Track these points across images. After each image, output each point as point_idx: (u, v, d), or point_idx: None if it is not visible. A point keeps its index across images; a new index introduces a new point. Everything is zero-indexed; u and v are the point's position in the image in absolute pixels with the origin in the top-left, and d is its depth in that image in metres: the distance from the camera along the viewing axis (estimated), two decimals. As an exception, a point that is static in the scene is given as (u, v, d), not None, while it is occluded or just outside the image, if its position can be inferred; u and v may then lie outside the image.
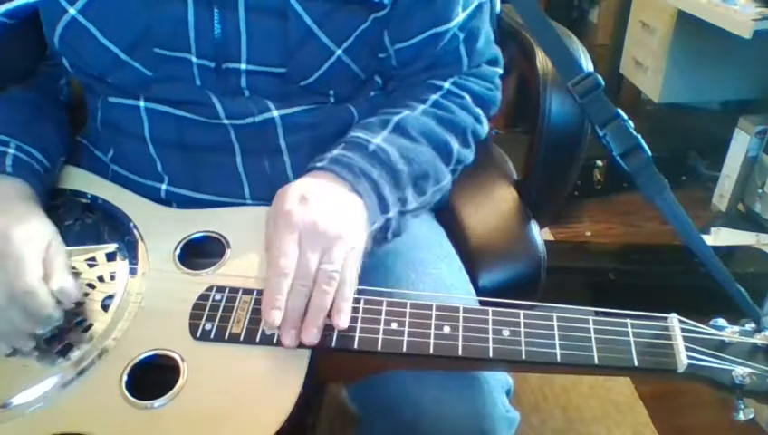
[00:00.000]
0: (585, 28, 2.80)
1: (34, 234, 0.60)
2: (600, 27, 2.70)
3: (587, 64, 0.79)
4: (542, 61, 0.86)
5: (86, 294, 0.62)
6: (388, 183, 0.65)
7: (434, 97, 0.73)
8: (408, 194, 0.67)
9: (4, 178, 0.64)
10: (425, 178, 0.69)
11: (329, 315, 0.56)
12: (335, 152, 0.65)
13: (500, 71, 0.81)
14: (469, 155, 0.75)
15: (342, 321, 0.56)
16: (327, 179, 0.62)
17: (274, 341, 0.57)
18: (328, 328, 0.57)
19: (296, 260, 0.56)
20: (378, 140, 0.66)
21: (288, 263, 0.56)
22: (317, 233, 0.57)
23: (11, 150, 0.66)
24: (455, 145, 0.72)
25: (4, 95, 0.70)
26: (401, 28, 0.70)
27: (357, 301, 0.58)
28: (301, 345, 0.56)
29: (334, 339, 0.57)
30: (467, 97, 0.75)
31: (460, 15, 0.71)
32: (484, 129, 0.77)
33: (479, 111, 0.76)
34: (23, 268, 0.57)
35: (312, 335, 0.55)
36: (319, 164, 0.64)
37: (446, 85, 0.74)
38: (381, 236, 0.66)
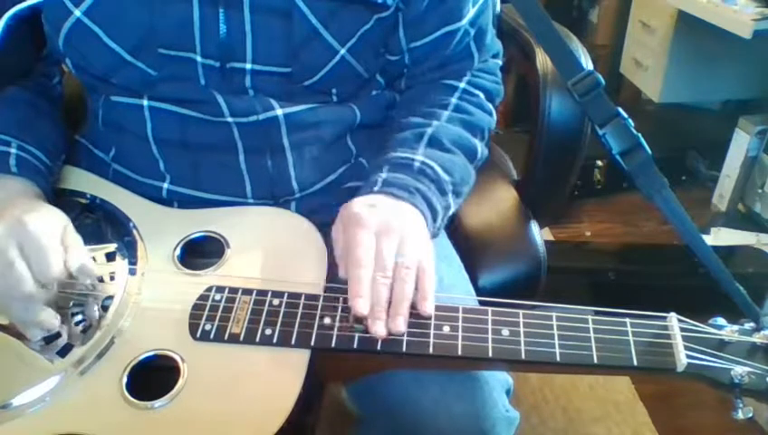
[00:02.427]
0: (585, 28, 2.80)
1: (48, 220, 0.60)
2: (600, 27, 2.69)
3: (587, 64, 0.80)
4: (541, 60, 0.86)
5: (86, 295, 0.62)
6: (435, 195, 0.67)
7: (453, 101, 0.75)
8: (449, 201, 0.70)
9: (9, 177, 0.65)
10: (462, 184, 0.71)
11: (413, 306, 0.57)
12: (384, 176, 0.67)
13: (500, 63, 0.83)
14: (486, 150, 0.77)
15: (428, 307, 0.57)
16: (386, 198, 0.64)
17: (274, 340, 0.57)
18: (328, 328, 0.57)
19: (373, 252, 0.58)
20: (419, 156, 0.68)
21: (365, 253, 0.57)
22: (390, 229, 0.59)
23: (13, 150, 0.66)
24: (480, 147, 0.74)
25: (3, 96, 0.71)
26: (416, 27, 0.72)
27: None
28: (390, 334, 0.56)
29: (334, 339, 0.57)
30: (481, 95, 0.77)
31: (470, 12, 0.73)
32: (495, 120, 0.79)
33: (490, 105, 0.78)
34: (44, 257, 0.57)
35: (400, 324, 0.56)
36: (375, 189, 0.65)
37: (462, 85, 0.76)
38: None
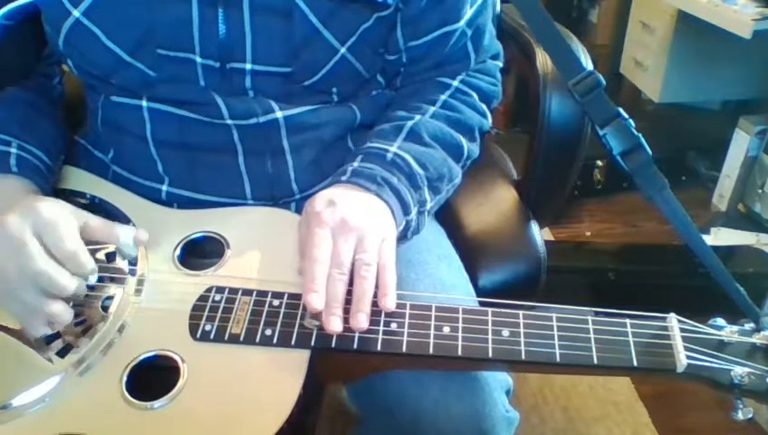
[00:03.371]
0: (585, 28, 2.80)
1: (60, 206, 0.59)
2: (599, 27, 2.70)
3: (587, 64, 0.79)
4: (542, 60, 0.86)
5: (86, 295, 0.62)
6: (408, 188, 0.67)
7: (443, 97, 0.74)
8: (425, 195, 0.69)
9: (10, 177, 0.65)
10: (440, 180, 0.71)
11: (374, 304, 0.57)
12: (355, 165, 0.66)
13: (501, 64, 0.83)
14: (476, 149, 0.77)
15: (389, 302, 0.57)
16: (352, 190, 0.64)
17: (274, 341, 0.57)
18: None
19: (329, 250, 0.58)
20: (394, 148, 0.68)
21: (321, 252, 0.57)
22: (347, 226, 0.59)
23: (13, 150, 0.66)
24: (465, 144, 0.74)
25: (3, 96, 0.71)
26: (414, 27, 0.71)
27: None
28: (348, 330, 0.56)
29: (334, 339, 0.57)
30: (474, 95, 0.77)
31: (468, 13, 0.72)
32: (489, 123, 0.79)
33: (484, 106, 0.78)
34: (56, 230, 0.56)
35: (361, 321, 0.56)
36: (343, 178, 0.65)
37: (455, 84, 0.76)
38: (402, 236, 0.68)
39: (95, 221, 0.60)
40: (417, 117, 0.71)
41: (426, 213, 0.71)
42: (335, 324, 0.55)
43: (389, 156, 0.67)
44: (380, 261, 0.59)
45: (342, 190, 0.63)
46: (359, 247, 0.58)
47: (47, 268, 0.55)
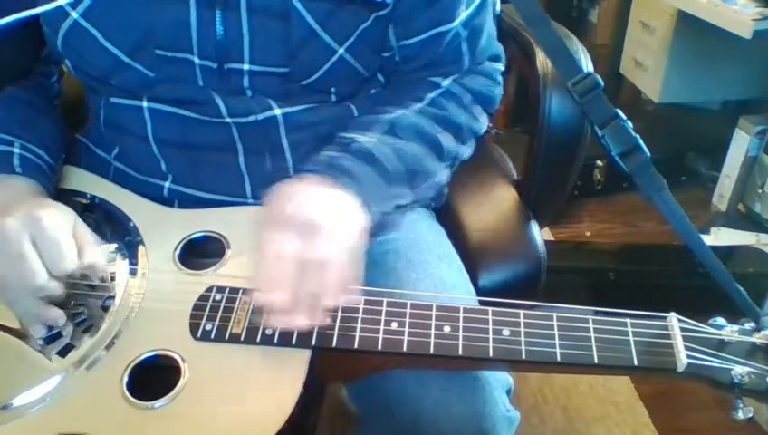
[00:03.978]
0: (585, 28, 2.80)
1: (60, 215, 0.60)
2: (599, 27, 2.70)
3: (587, 64, 0.80)
4: (542, 61, 0.86)
5: (86, 295, 0.62)
6: (382, 181, 0.65)
7: (431, 96, 0.73)
8: (400, 190, 0.68)
9: (14, 177, 0.65)
10: (415, 175, 0.69)
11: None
12: (328, 154, 0.66)
13: (501, 67, 0.81)
14: (465, 151, 0.76)
15: (330, 301, 0.56)
16: (316, 182, 0.62)
17: (275, 340, 0.57)
18: (329, 327, 0.57)
19: (283, 248, 0.56)
20: (368, 139, 0.67)
21: (275, 249, 0.56)
22: (297, 223, 0.57)
23: (16, 150, 0.66)
24: (447, 142, 0.72)
25: (3, 96, 0.71)
26: (405, 26, 0.71)
27: (357, 301, 0.59)
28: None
29: (335, 339, 0.57)
30: (467, 96, 0.75)
31: (463, 14, 0.72)
32: (483, 125, 0.77)
33: (478, 108, 0.76)
34: (58, 250, 0.57)
35: (315, 318, 0.55)
36: (314, 168, 0.64)
37: (446, 83, 0.75)
38: (378, 231, 0.67)
39: (84, 241, 0.61)
40: (401, 112, 0.70)
41: (402, 209, 0.69)
42: (296, 323, 0.55)
43: (366, 148, 0.66)
44: (327, 258, 0.56)
45: (304, 185, 0.61)
46: (310, 244, 0.56)
47: (44, 284, 0.57)
